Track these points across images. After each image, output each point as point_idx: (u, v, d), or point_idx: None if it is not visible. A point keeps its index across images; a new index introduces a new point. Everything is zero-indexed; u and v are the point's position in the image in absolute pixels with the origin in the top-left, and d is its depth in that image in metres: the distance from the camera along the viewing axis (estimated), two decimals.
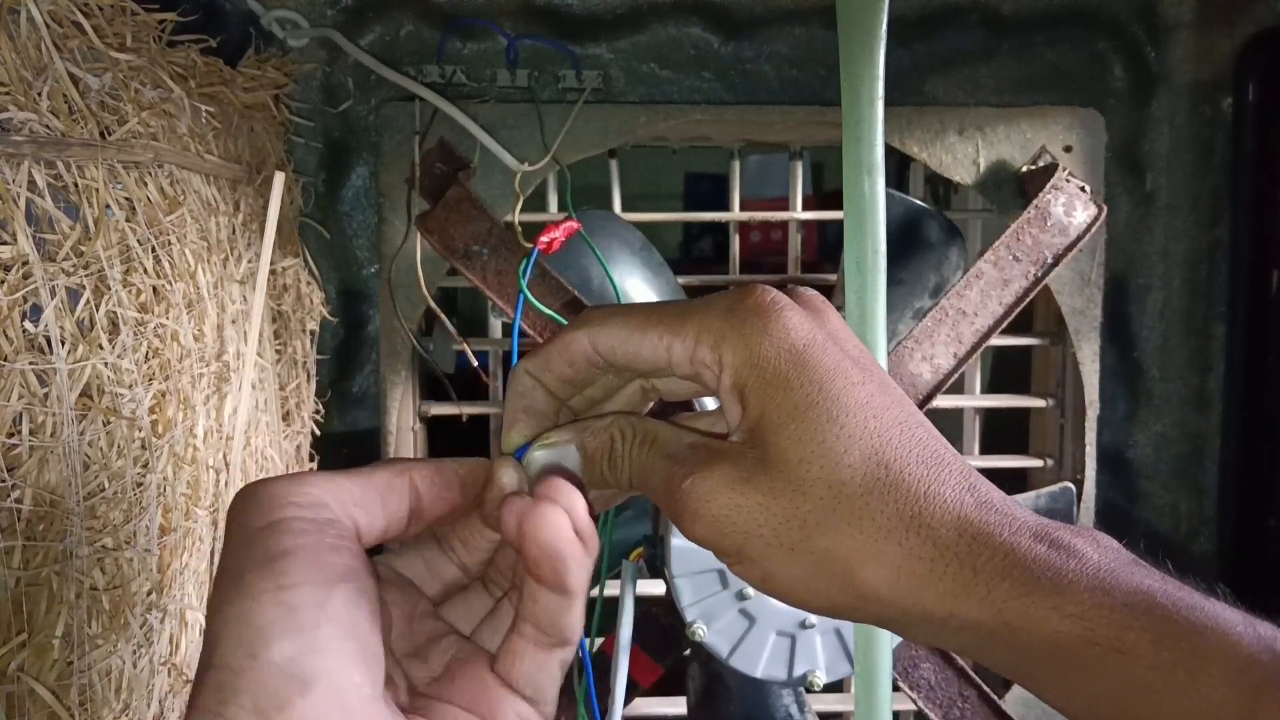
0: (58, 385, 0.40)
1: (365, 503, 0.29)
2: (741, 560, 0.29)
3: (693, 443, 0.31)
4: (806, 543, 0.28)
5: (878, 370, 0.30)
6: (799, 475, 0.28)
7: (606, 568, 0.70)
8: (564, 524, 0.28)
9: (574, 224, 0.68)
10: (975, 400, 0.81)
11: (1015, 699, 0.73)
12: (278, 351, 0.69)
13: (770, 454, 0.28)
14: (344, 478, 0.29)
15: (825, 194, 1.83)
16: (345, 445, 0.78)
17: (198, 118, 0.55)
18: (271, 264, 0.63)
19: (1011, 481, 0.82)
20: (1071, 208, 0.71)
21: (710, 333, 0.30)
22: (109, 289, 0.44)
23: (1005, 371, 0.94)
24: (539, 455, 0.32)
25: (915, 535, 0.27)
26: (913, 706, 0.72)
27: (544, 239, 0.68)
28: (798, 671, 0.64)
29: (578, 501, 0.29)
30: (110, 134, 0.45)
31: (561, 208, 0.78)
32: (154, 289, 0.48)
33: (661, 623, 0.69)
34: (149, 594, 0.48)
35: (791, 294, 0.31)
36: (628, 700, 0.72)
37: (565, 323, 0.68)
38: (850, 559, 0.28)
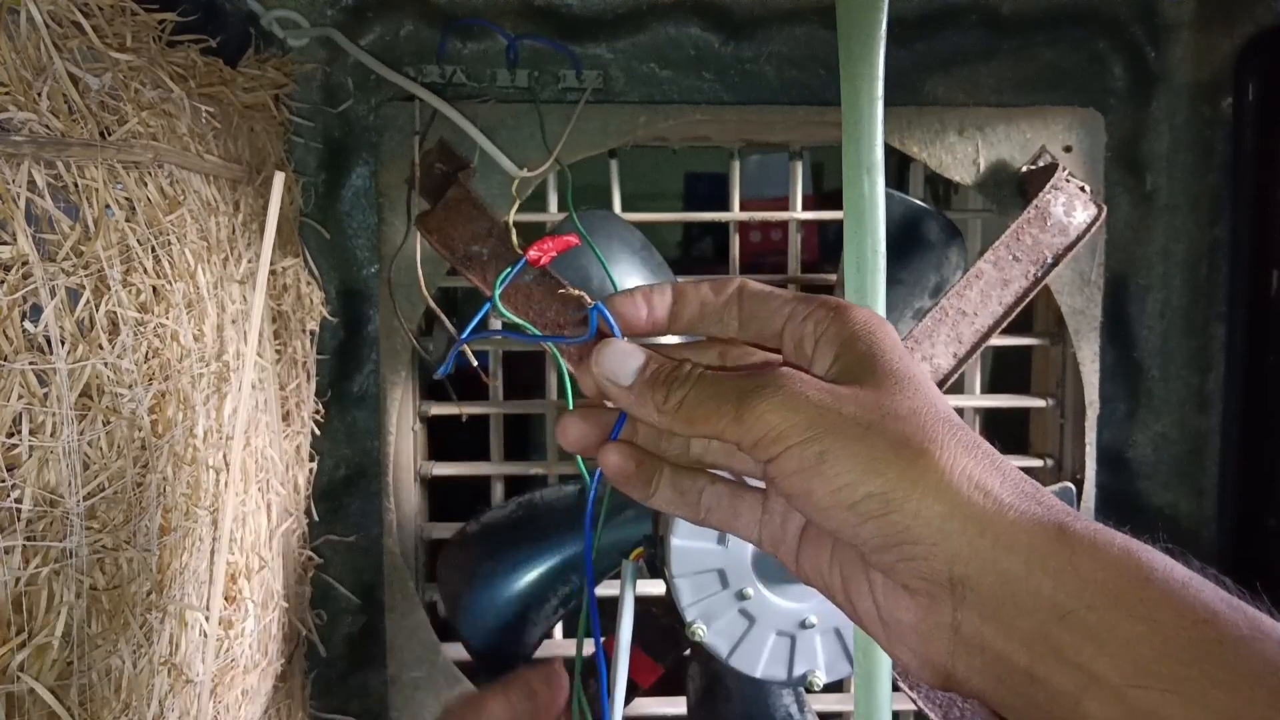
0: (57, 385, 0.40)
1: None
2: (801, 437, 0.30)
3: (767, 378, 0.32)
4: (881, 424, 0.29)
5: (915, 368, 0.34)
6: (896, 375, 0.31)
7: (605, 568, 0.70)
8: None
9: (572, 239, 0.67)
10: (975, 400, 0.81)
11: None
12: (278, 351, 0.69)
13: (870, 354, 0.32)
14: None
15: (825, 194, 1.82)
16: (345, 445, 0.78)
17: (198, 118, 0.55)
18: (271, 264, 0.63)
19: None
20: (1071, 208, 0.71)
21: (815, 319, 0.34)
22: (109, 289, 0.44)
23: (1005, 371, 0.94)
24: (611, 350, 0.36)
25: (995, 471, 0.29)
26: (912, 706, 0.72)
27: (534, 252, 0.67)
28: (797, 671, 0.64)
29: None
30: (110, 134, 0.45)
31: (562, 208, 0.78)
32: (154, 289, 0.48)
33: (661, 623, 0.69)
34: (149, 594, 0.48)
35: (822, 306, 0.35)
36: (628, 700, 0.72)
37: (537, 332, 0.68)
38: (926, 445, 0.29)
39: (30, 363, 0.39)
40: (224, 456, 0.57)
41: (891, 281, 0.64)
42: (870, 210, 0.51)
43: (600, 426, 0.38)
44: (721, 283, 0.36)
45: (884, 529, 0.29)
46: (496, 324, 0.74)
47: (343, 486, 0.78)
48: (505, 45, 0.74)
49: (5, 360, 0.38)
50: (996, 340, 0.72)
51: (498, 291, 0.67)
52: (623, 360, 0.35)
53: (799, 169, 0.83)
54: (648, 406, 0.34)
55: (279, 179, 0.60)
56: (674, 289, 0.36)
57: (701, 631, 0.63)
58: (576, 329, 0.38)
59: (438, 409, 0.77)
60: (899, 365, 0.31)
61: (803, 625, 0.63)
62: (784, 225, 0.83)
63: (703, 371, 0.33)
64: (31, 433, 0.39)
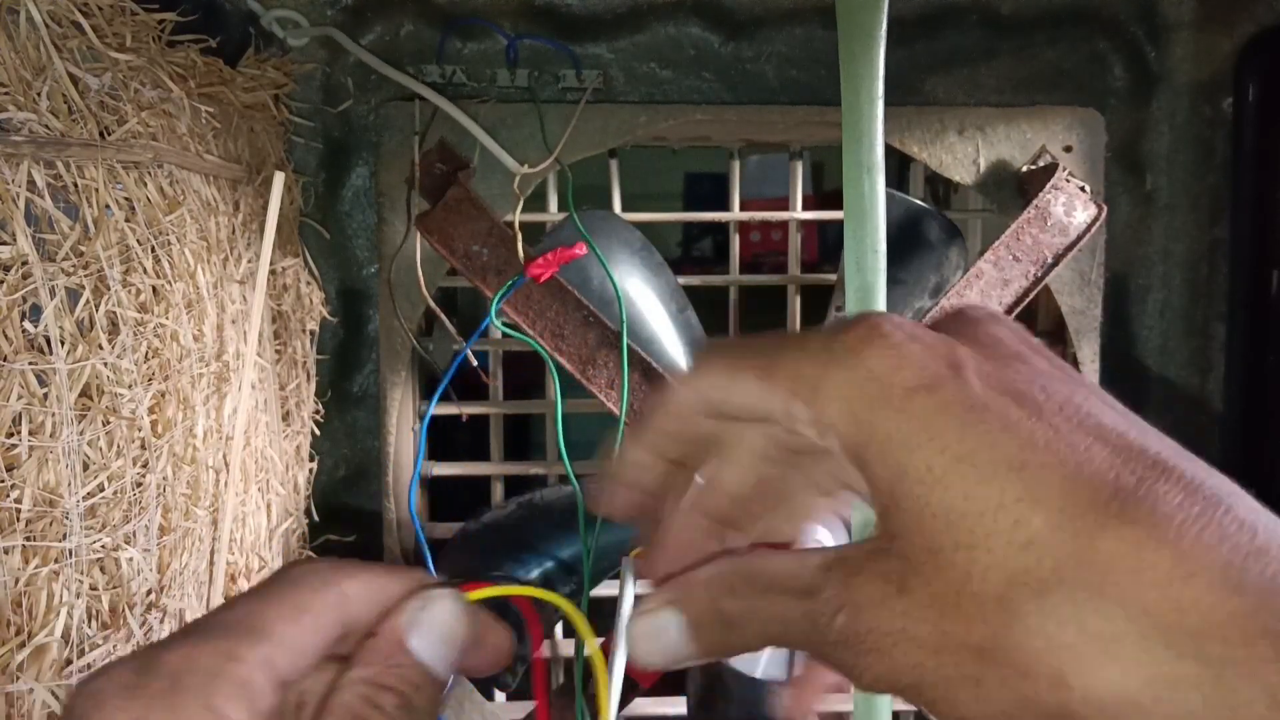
0: (57, 385, 0.40)
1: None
2: (922, 696, 0.21)
3: (822, 562, 0.23)
4: (995, 654, 0.20)
5: (1061, 386, 0.22)
6: (960, 568, 0.20)
7: (605, 567, 0.70)
8: None
9: (576, 251, 0.67)
10: None
11: None
12: (277, 351, 0.69)
13: (915, 545, 0.21)
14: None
15: (825, 194, 1.83)
16: (345, 445, 0.78)
17: (197, 118, 0.55)
18: (271, 264, 0.63)
19: None
20: (1071, 208, 0.71)
21: (805, 381, 0.23)
22: (109, 289, 0.44)
23: None
24: (640, 630, 0.27)
25: (1147, 622, 0.18)
26: (912, 707, 0.72)
27: (536, 269, 0.67)
28: (797, 672, 0.64)
29: None
30: (110, 134, 0.45)
31: (562, 208, 0.78)
32: (154, 289, 0.48)
33: None
34: (148, 594, 0.48)
35: (946, 315, 0.25)
36: (628, 700, 0.72)
37: (537, 346, 0.68)
38: (1061, 666, 0.19)
39: (30, 363, 0.39)
40: (224, 456, 0.57)
41: (891, 281, 0.63)
42: (870, 210, 0.51)
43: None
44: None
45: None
46: (497, 332, 0.74)
47: (343, 486, 0.78)
48: (505, 45, 0.74)
49: (5, 360, 0.38)
50: None
51: (496, 305, 0.67)
52: (653, 635, 0.27)
53: (799, 169, 0.83)
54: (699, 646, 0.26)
55: (279, 179, 0.60)
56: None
57: None
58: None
59: (438, 409, 0.77)
60: (953, 493, 0.20)
61: None
62: (784, 225, 0.83)
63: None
64: (31, 433, 0.39)
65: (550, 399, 0.83)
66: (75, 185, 0.42)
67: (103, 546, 0.43)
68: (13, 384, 0.38)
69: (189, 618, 0.52)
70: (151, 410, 0.48)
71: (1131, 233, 0.79)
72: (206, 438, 0.54)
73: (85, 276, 0.42)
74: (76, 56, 0.44)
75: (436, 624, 0.26)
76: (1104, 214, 0.71)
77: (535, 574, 0.70)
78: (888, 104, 0.51)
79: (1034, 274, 0.71)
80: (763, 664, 0.64)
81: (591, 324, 0.68)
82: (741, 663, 0.64)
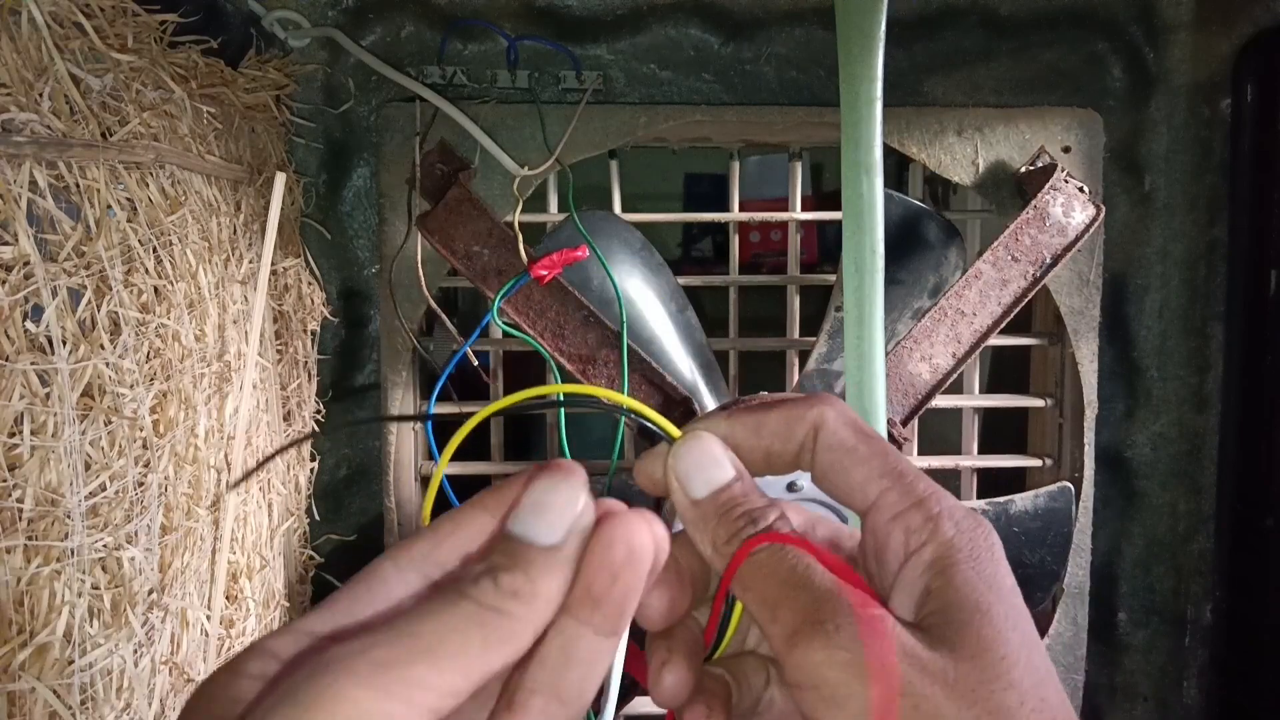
0: (59, 385, 0.40)
1: None
2: (860, 711, 0.24)
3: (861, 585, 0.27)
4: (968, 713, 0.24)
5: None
6: (1000, 645, 0.25)
7: None
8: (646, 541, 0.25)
9: (578, 253, 0.68)
10: (974, 400, 0.81)
11: None
12: (279, 351, 0.69)
13: (970, 605, 0.25)
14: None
15: (824, 194, 1.83)
16: (346, 445, 0.78)
17: (199, 118, 0.55)
18: (273, 264, 0.63)
19: (1010, 481, 0.83)
20: (1070, 208, 0.71)
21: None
22: (110, 289, 0.44)
23: (1004, 371, 0.94)
24: (682, 453, 0.28)
25: None
26: None
27: (540, 270, 0.67)
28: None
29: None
30: (111, 135, 0.45)
31: (562, 208, 0.78)
32: (155, 289, 0.48)
33: None
34: (150, 593, 0.48)
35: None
36: (628, 700, 0.72)
37: (538, 346, 0.68)
38: None
39: (32, 363, 0.39)
40: (225, 456, 0.57)
41: (890, 282, 0.64)
42: (869, 211, 0.51)
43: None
44: (793, 418, 0.29)
45: None
46: (498, 332, 0.74)
47: (343, 486, 0.79)
48: (506, 46, 0.74)
49: (7, 360, 0.38)
50: (995, 340, 0.72)
51: (497, 304, 0.67)
52: (706, 467, 0.29)
53: (798, 169, 0.83)
54: (703, 536, 0.28)
55: (280, 179, 0.60)
56: (735, 421, 0.29)
57: None
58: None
59: (439, 409, 0.77)
60: (1004, 626, 0.25)
61: None
62: (783, 226, 0.83)
63: (785, 543, 0.27)
64: (33, 432, 0.39)
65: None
66: (77, 186, 0.43)
67: (104, 546, 0.44)
68: (15, 384, 0.38)
69: (190, 617, 0.53)
70: (153, 410, 0.48)
71: (1130, 233, 0.79)
72: (208, 437, 0.54)
73: (87, 277, 0.42)
74: (78, 57, 0.44)
75: (528, 495, 0.25)
76: (1102, 214, 0.72)
77: None
78: (887, 105, 0.51)
79: (1032, 274, 0.71)
80: None
81: (592, 324, 0.69)
82: None
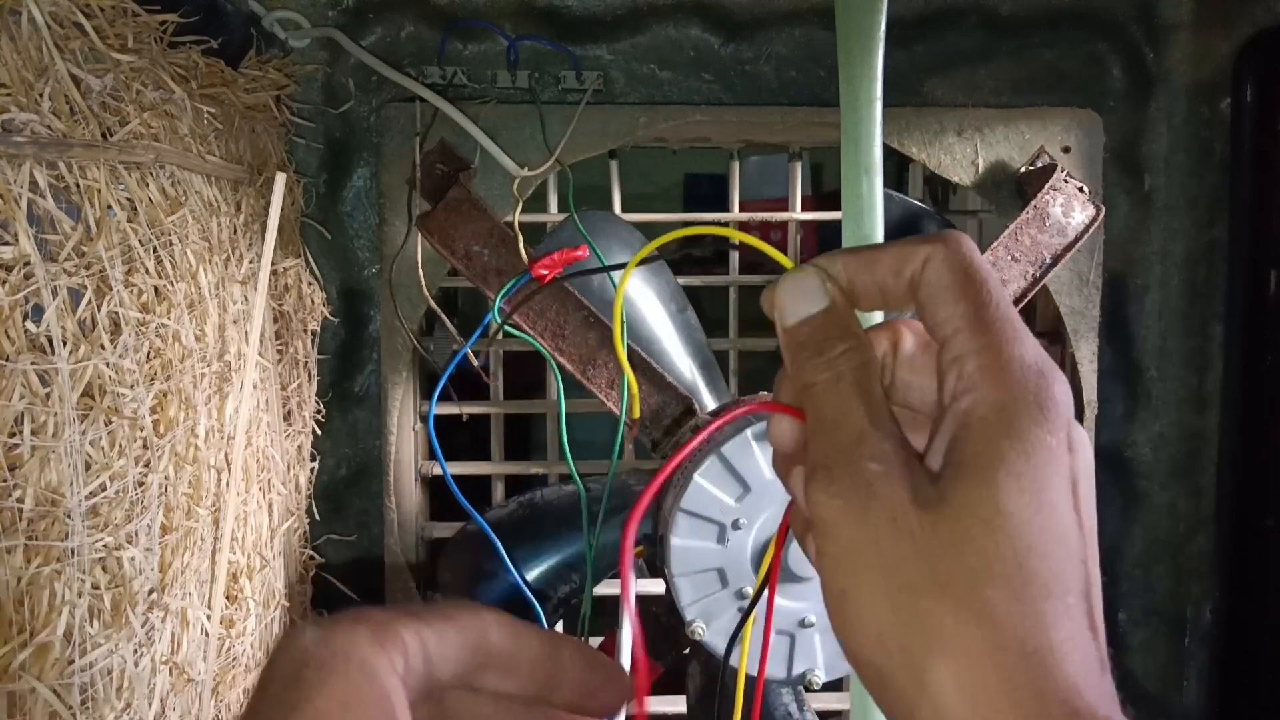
0: (59, 385, 0.40)
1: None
2: (834, 554, 0.26)
3: (896, 433, 0.27)
4: (923, 583, 0.25)
5: (1090, 505, 0.27)
6: (971, 529, 0.25)
7: (606, 567, 0.70)
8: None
9: (578, 253, 0.68)
10: None
11: None
12: (279, 351, 0.70)
13: (954, 489, 0.25)
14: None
15: (824, 195, 1.83)
16: (346, 445, 0.78)
17: (199, 119, 0.55)
18: (273, 264, 0.63)
19: None
20: (1070, 208, 0.71)
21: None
22: (110, 289, 0.44)
23: None
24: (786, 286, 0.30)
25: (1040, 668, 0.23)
26: None
27: (541, 269, 0.67)
28: (797, 670, 0.64)
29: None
30: (112, 135, 0.45)
31: (562, 208, 0.78)
32: (155, 289, 0.48)
33: (661, 622, 0.69)
34: (150, 593, 0.48)
35: None
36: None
37: (538, 346, 0.68)
38: (949, 639, 0.24)
39: (32, 363, 0.39)
40: (225, 456, 0.57)
41: None
42: (869, 211, 0.51)
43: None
44: (906, 255, 0.29)
45: (887, 705, 0.25)
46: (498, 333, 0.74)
47: (344, 486, 0.79)
48: (506, 46, 0.75)
49: (7, 360, 0.38)
50: None
51: (497, 304, 0.67)
52: (801, 297, 0.30)
53: (798, 170, 0.83)
54: (787, 356, 0.30)
55: (280, 179, 0.60)
56: (850, 256, 0.30)
57: (701, 631, 0.64)
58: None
59: (439, 409, 0.77)
60: (1006, 486, 0.25)
61: (802, 624, 0.64)
62: (783, 226, 0.84)
63: (855, 370, 0.28)
64: (33, 432, 0.39)
65: (551, 399, 0.83)
66: (77, 186, 0.43)
67: (104, 546, 0.44)
68: (15, 384, 0.38)
69: (190, 616, 0.53)
70: (153, 410, 0.48)
71: (1130, 233, 0.79)
72: (208, 437, 0.54)
73: (87, 277, 0.42)
74: (78, 57, 0.44)
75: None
76: (1102, 214, 0.72)
77: (536, 573, 0.70)
78: (887, 105, 0.51)
79: (1032, 274, 0.71)
80: None
81: (592, 324, 0.69)
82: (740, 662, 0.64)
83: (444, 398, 0.77)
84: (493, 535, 0.65)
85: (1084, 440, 0.27)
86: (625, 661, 0.59)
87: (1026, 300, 0.70)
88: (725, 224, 0.82)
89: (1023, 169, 0.75)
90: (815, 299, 0.30)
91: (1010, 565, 0.24)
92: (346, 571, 0.78)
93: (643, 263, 0.73)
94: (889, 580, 0.25)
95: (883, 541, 0.25)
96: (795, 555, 0.59)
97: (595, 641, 0.70)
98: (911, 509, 0.25)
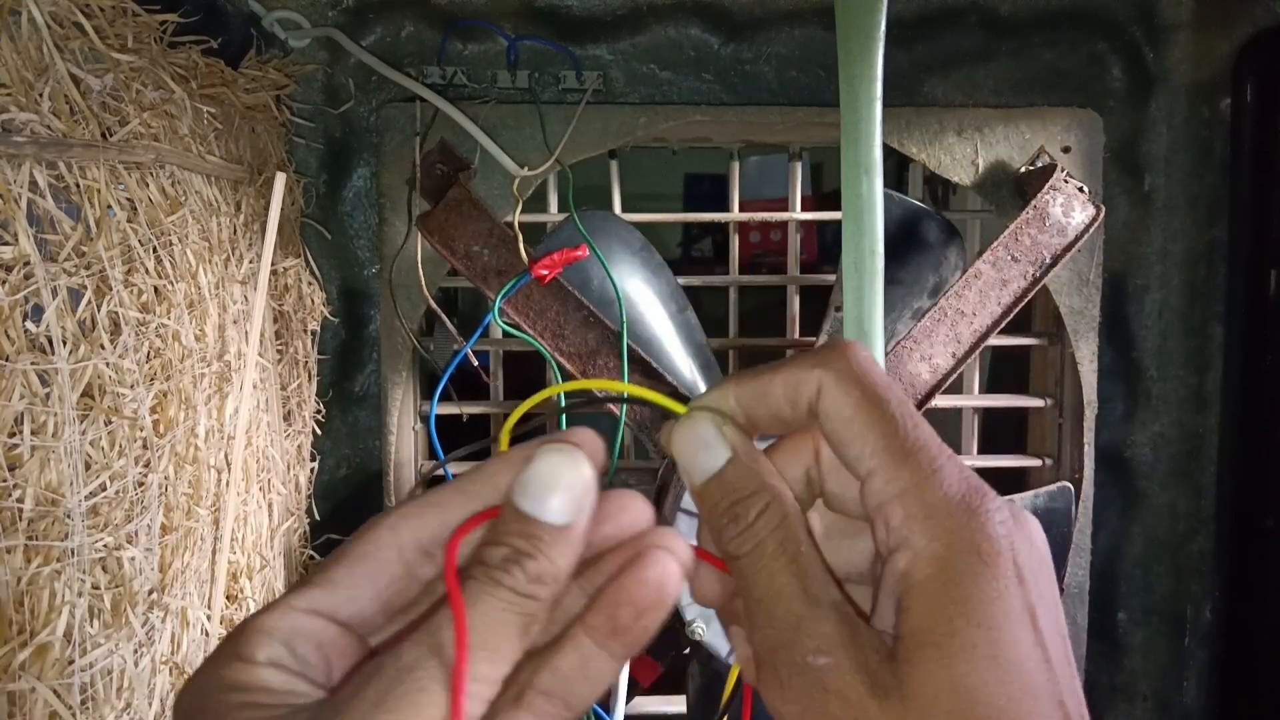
0: (59, 385, 0.40)
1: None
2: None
3: (836, 603, 0.26)
4: None
5: (1057, 625, 0.26)
6: (929, 714, 0.24)
7: None
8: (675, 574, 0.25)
9: (578, 253, 0.68)
10: (974, 400, 0.81)
11: None
12: (279, 351, 0.70)
13: (911, 673, 0.24)
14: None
15: (824, 195, 1.83)
16: (346, 445, 0.78)
17: (199, 119, 0.55)
18: (273, 264, 0.63)
19: (1010, 481, 0.83)
20: (1070, 208, 0.71)
21: (918, 503, 0.26)
22: (110, 289, 0.44)
23: (1004, 371, 0.95)
24: (681, 436, 0.28)
25: None
26: None
27: (542, 269, 0.67)
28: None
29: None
30: (112, 135, 0.45)
31: (562, 208, 0.78)
32: (155, 289, 0.48)
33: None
34: (150, 593, 0.48)
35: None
36: (628, 699, 0.72)
37: (538, 346, 0.68)
38: None
39: (32, 363, 0.39)
40: (225, 456, 0.57)
41: (890, 282, 0.64)
42: (868, 211, 0.51)
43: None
44: (796, 383, 0.28)
45: None
46: (498, 332, 0.74)
47: (344, 486, 0.79)
48: (506, 46, 0.75)
49: (7, 360, 0.38)
50: (995, 340, 0.72)
51: (498, 304, 0.67)
52: (701, 449, 0.28)
53: (798, 170, 0.83)
54: (711, 523, 0.28)
55: (280, 179, 0.60)
56: (740, 389, 0.29)
57: (701, 631, 0.64)
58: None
59: (440, 409, 0.77)
60: (960, 665, 0.24)
61: None
62: (783, 226, 0.84)
63: (775, 533, 0.27)
64: (33, 432, 0.39)
65: (551, 399, 0.83)
66: (77, 186, 0.43)
67: (104, 546, 0.44)
68: (15, 384, 0.38)
69: (191, 617, 0.53)
70: (153, 410, 0.48)
71: (1130, 233, 0.79)
72: (208, 437, 0.54)
73: (87, 277, 0.42)
74: (78, 57, 0.44)
75: (537, 474, 0.25)
76: (1102, 214, 0.72)
77: None
78: (886, 105, 0.52)
79: (1032, 274, 0.71)
80: None
81: (592, 324, 0.69)
82: None
83: (444, 398, 0.77)
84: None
85: (1032, 554, 0.26)
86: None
87: (1027, 300, 0.70)
88: (725, 224, 0.82)
89: (1023, 169, 0.75)
90: (715, 451, 0.28)
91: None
92: None
93: (645, 263, 0.73)
94: None
95: None
96: None
97: None
98: (871, 702, 0.24)
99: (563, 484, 0.25)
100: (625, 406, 0.67)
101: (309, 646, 0.24)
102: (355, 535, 0.26)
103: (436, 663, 0.23)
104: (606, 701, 0.61)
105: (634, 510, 0.27)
